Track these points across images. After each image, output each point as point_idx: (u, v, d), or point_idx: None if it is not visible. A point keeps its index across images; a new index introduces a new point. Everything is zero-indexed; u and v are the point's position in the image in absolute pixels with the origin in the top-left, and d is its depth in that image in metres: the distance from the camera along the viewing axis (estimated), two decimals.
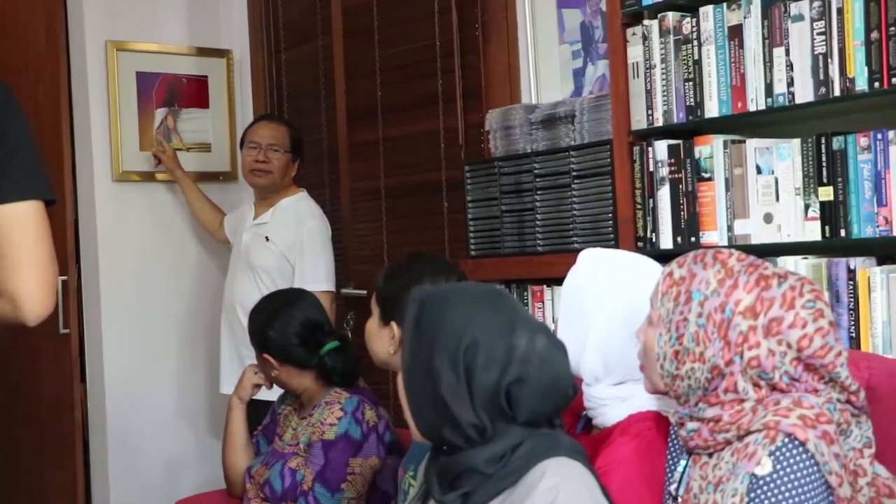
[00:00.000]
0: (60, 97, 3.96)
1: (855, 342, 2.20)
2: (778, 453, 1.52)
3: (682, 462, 1.72)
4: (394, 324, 2.13)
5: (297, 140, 3.66)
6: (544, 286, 2.93)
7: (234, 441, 2.72)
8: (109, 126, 4.02)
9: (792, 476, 1.50)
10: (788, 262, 2.30)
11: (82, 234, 4.10)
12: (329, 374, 2.56)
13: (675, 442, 1.77)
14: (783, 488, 1.50)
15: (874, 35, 2.14)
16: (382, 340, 2.20)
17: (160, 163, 4.02)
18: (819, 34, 2.23)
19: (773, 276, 1.62)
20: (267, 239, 3.57)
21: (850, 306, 2.21)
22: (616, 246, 2.64)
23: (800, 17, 2.26)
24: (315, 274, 3.47)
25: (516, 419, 1.57)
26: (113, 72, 4.01)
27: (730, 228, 2.42)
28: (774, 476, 1.51)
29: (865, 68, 2.15)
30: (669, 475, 1.77)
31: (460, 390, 1.54)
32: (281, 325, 2.56)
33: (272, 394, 2.97)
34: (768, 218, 2.36)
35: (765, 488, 1.51)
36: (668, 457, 1.79)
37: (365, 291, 3.84)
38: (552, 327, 2.01)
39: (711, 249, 1.70)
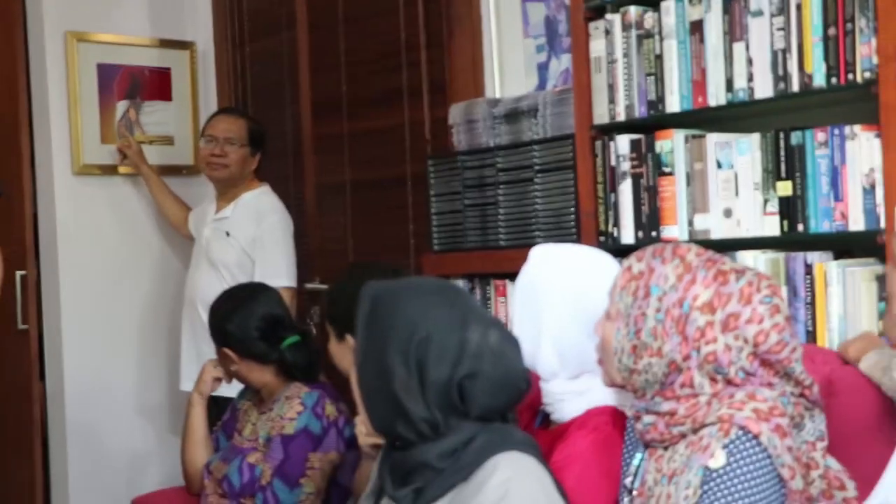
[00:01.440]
0: (19, 89, 3.90)
1: (811, 336, 2.20)
2: (731, 446, 1.53)
3: (638, 455, 1.73)
4: (349, 336, 2.13)
5: (256, 133, 3.62)
6: (507, 280, 2.92)
7: (194, 437, 2.69)
8: (69, 118, 3.96)
9: (745, 469, 1.51)
10: (747, 257, 2.31)
11: (42, 229, 4.04)
12: (289, 369, 2.54)
13: (632, 435, 1.77)
14: (736, 481, 1.51)
15: (831, 31, 2.14)
16: (346, 356, 2.21)
17: (125, 157, 3.98)
18: (778, 30, 2.23)
19: (731, 271, 1.62)
20: (227, 234, 3.54)
21: (808, 300, 2.21)
22: (578, 241, 2.64)
23: (759, 13, 2.26)
24: (276, 269, 3.44)
25: (469, 414, 1.56)
26: (73, 63, 3.95)
27: (690, 223, 2.42)
28: (727, 469, 1.52)
29: (823, 64, 2.16)
30: (625, 468, 1.77)
31: (412, 385, 1.53)
32: (241, 319, 2.54)
33: (232, 389, 2.95)
34: (728, 212, 2.37)
35: (718, 481, 1.51)
36: (625, 450, 1.79)
37: (328, 286, 3.82)
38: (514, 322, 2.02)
39: (670, 244, 1.70)
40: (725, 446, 1.53)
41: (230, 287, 2.85)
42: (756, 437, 1.52)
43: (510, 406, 1.62)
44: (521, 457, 1.55)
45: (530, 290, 1.98)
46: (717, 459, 1.53)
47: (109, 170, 4.06)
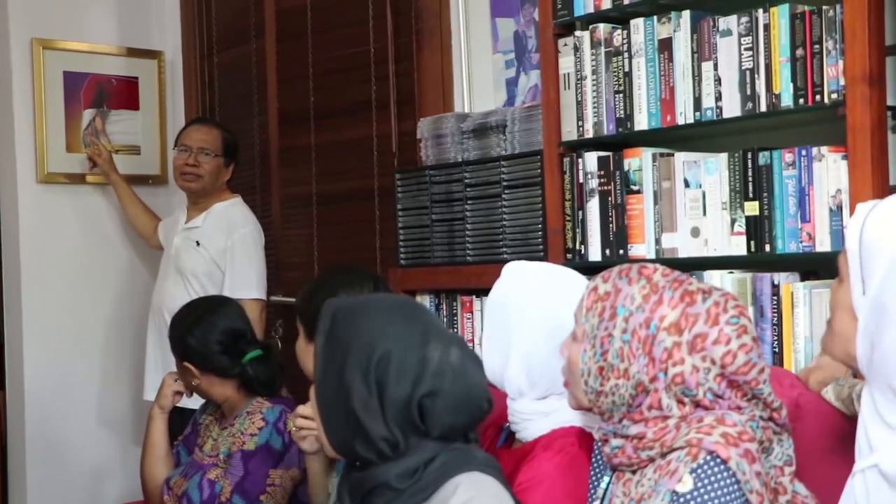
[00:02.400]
0: None
1: (778, 357, 2.20)
2: (700, 471, 1.50)
3: (606, 478, 1.70)
4: None
5: (230, 144, 3.59)
6: (473, 297, 2.90)
7: (154, 451, 2.64)
8: (35, 126, 3.92)
9: (713, 494, 1.49)
10: (714, 277, 2.30)
11: (4, 237, 4.00)
12: (251, 383, 2.50)
13: (599, 458, 1.75)
14: None
15: (799, 52, 2.14)
16: (311, 358, 2.16)
17: (95, 165, 3.92)
18: (746, 49, 2.23)
19: (698, 291, 1.61)
20: (198, 244, 3.51)
21: (774, 321, 2.21)
22: (545, 258, 2.63)
23: (728, 33, 2.26)
24: (246, 281, 3.41)
25: (429, 433, 1.53)
26: (39, 71, 3.91)
27: (657, 242, 2.41)
28: (695, 493, 1.49)
29: (791, 84, 2.16)
30: (592, 491, 1.74)
31: (372, 403, 1.51)
32: (202, 332, 2.50)
33: (198, 401, 2.91)
34: (695, 232, 2.36)
35: None
36: (592, 473, 1.77)
37: (294, 300, 3.78)
38: (481, 338, 1.99)
39: (636, 264, 1.68)
40: (693, 471, 1.50)
41: (191, 300, 2.81)
42: (725, 462, 1.50)
43: (472, 425, 1.59)
44: (482, 478, 1.53)
45: (501, 306, 1.96)
46: (685, 484, 1.50)
47: (76, 178, 4.02)
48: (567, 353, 1.70)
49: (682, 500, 1.49)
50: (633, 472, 1.63)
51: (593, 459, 1.78)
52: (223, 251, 3.46)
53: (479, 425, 1.62)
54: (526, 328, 1.90)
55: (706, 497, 1.48)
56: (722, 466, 1.50)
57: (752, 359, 1.57)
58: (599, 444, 1.71)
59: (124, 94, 4.17)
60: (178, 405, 3.44)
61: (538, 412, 1.91)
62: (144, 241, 3.96)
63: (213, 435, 2.56)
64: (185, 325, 2.53)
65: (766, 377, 1.60)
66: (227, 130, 3.64)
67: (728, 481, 1.49)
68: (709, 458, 1.50)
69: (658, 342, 1.57)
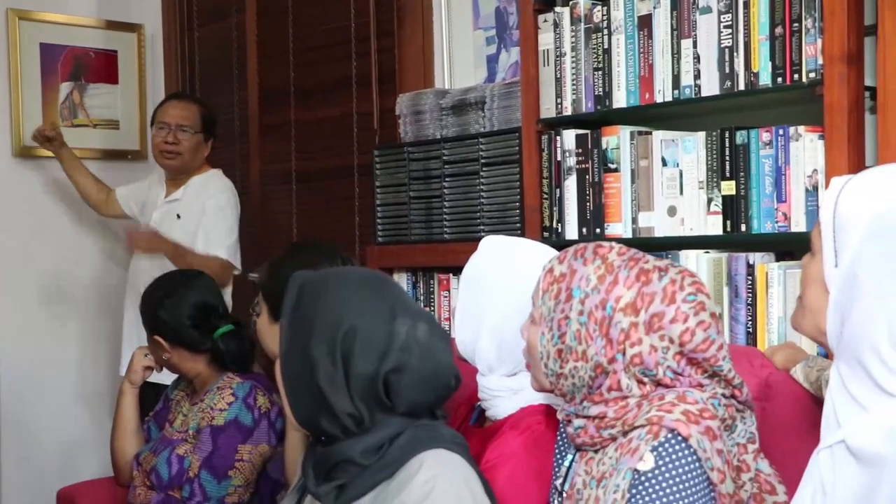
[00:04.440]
0: None
1: (752, 337, 2.19)
2: (661, 449, 1.49)
3: (569, 457, 1.69)
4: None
5: (209, 119, 3.55)
6: (451, 275, 2.89)
7: (125, 426, 2.63)
8: (10, 99, 3.88)
9: (674, 472, 1.48)
10: (690, 256, 2.29)
11: None
12: (222, 359, 2.48)
13: (563, 436, 1.74)
14: (664, 484, 1.47)
15: (778, 30, 2.13)
16: (275, 336, 2.13)
17: (48, 142, 3.67)
18: (726, 27, 2.21)
19: (654, 269, 1.58)
20: (178, 216, 3.47)
21: (749, 301, 2.20)
22: (522, 236, 2.61)
23: (708, 10, 2.24)
24: (217, 239, 3.37)
25: (395, 409, 1.51)
26: (14, 42, 3.87)
27: (634, 220, 2.40)
28: (656, 472, 1.48)
29: (769, 63, 2.15)
30: (556, 469, 1.74)
31: (337, 378, 1.48)
32: (173, 305, 2.47)
33: (170, 377, 2.89)
34: (672, 211, 2.35)
35: (646, 484, 1.48)
36: (556, 451, 1.76)
37: None
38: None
39: (592, 244, 1.65)
40: (654, 449, 1.49)
41: (164, 273, 2.78)
42: (686, 439, 1.49)
43: (438, 402, 1.57)
44: (447, 455, 1.51)
45: (476, 280, 1.95)
46: (646, 462, 1.49)
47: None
48: (526, 336, 1.69)
49: (643, 478, 1.49)
50: (596, 451, 1.63)
51: (558, 438, 1.77)
52: (201, 216, 3.43)
53: (445, 402, 1.60)
54: (498, 302, 1.89)
55: (667, 475, 1.47)
56: (683, 444, 1.49)
57: (711, 336, 1.55)
58: (563, 424, 1.71)
59: (103, 67, 4.12)
60: (151, 380, 3.42)
61: (508, 389, 1.90)
62: (97, 209, 3.83)
63: (184, 410, 2.54)
64: (157, 297, 2.51)
65: (726, 354, 1.59)
66: (204, 105, 3.60)
67: (689, 459, 1.48)
68: (670, 435, 1.49)
69: (615, 323, 1.55)
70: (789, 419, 1.89)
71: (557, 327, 1.61)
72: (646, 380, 1.57)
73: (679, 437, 1.49)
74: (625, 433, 1.56)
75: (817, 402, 1.86)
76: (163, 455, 2.43)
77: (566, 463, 1.68)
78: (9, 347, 3.88)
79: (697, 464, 1.48)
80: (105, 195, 3.79)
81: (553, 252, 1.99)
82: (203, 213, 3.42)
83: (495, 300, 1.90)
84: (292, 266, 2.08)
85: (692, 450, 1.48)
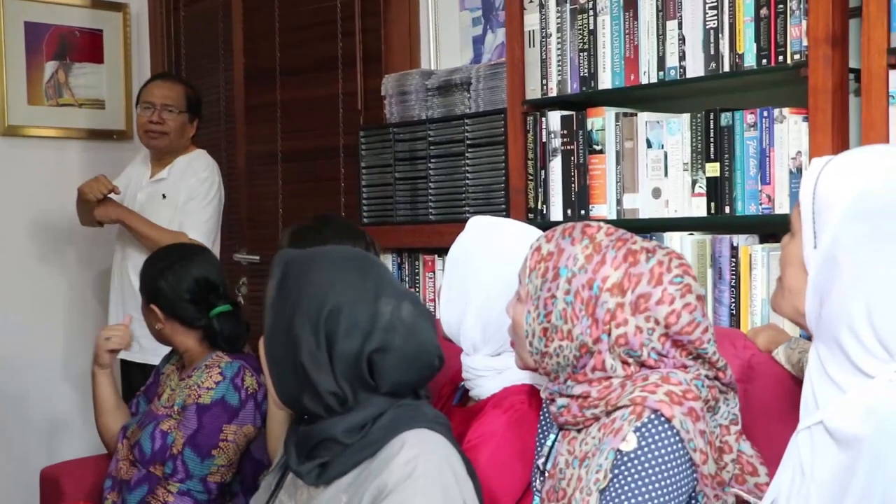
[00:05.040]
0: None
1: (735, 319, 2.20)
2: (644, 429, 1.50)
3: (552, 436, 1.70)
4: None
5: (194, 99, 3.53)
6: (436, 256, 2.89)
7: (104, 407, 2.63)
8: None
9: (656, 452, 1.48)
10: (675, 238, 2.30)
11: None
12: (214, 337, 2.47)
13: (546, 416, 1.75)
14: (647, 465, 1.48)
15: (763, 12, 2.13)
16: None
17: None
18: (711, 8, 2.21)
19: (642, 250, 1.58)
20: (164, 196, 3.45)
21: (732, 283, 2.21)
22: (507, 216, 2.61)
23: None
24: (192, 218, 3.35)
25: (379, 389, 1.51)
26: None
27: (619, 202, 2.40)
28: (639, 452, 1.49)
29: (754, 45, 2.15)
30: (539, 449, 1.74)
31: (321, 357, 1.48)
32: (175, 277, 2.45)
33: (157, 357, 2.88)
34: (656, 193, 2.35)
35: (629, 464, 1.49)
36: (539, 430, 1.77)
37: (258, 257, 3.76)
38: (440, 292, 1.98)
39: (580, 223, 1.65)
40: (637, 430, 1.50)
41: (170, 244, 2.76)
42: (669, 420, 1.49)
43: (422, 382, 1.57)
44: (429, 434, 1.51)
45: (462, 259, 1.95)
46: (629, 443, 1.50)
47: (36, 132, 3.94)
48: (512, 314, 1.69)
49: (625, 458, 1.49)
50: (579, 431, 1.63)
51: (541, 417, 1.77)
52: (187, 197, 3.42)
53: (429, 382, 1.60)
54: (483, 282, 1.89)
55: (650, 455, 1.48)
56: (666, 425, 1.49)
57: (697, 318, 1.56)
58: (546, 403, 1.71)
59: (88, 46, 4.09)
60: (140, 361, 3.43)
61: (491, 369, 1.91)
62: None
63: (172, 385, 2.53)
64: (159, 267, 2.49)
65: (711, 336, 1.59)
66: (189, 85, 3.57)
67: (672, 440, 1.49)
68: (653, 416, 1.50)
69: (601, 303, 1.56)
70: (771, 401, 1.90)
71: (543, 306, 1.61)
72: (630, 360, 1.57)
73: (662, 418, 1.50)
74: (608, 413, 1.57)
75: (799, 383, 1.87)
76: (147, 429, 2.42)
77: (548, 443, 1.69)
78: None
79: (680, 444, 1.49)
80: None
81: (539, 233, 1.99)
82: (186, 190, 3.41)
83: (481, 280, 1.90)
84: (316, 238, 2.08)
85: (675, 431, 1.49)
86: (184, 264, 2.48)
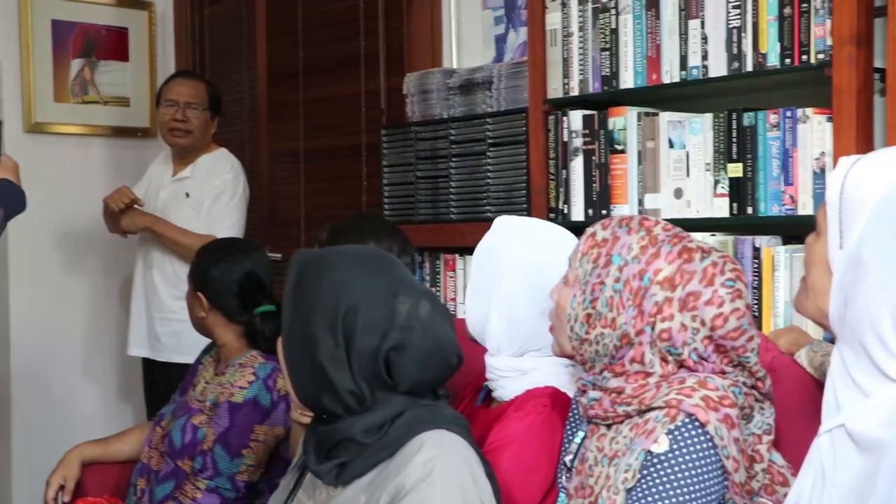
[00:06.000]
0: None
1: (757, 321, 2.18)
2: (676, 432, 1.48)
3: (580, 433, 1.68)
4: None
5: (215, 97, 3.54)
6: (457, 255, 2.89)
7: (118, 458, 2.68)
8: (22, 75, 3.88)
9: (688, 457, 1.46)
10: (696, 239, 2.28)
11: None
12: (254, 336, 2.47)
13: (575, 413, 1.73)
14: (677, 468, 1.46)
15: (787, 11, 2.11)
16: None
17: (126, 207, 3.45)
18: (734, 7, 2.19)
19: (697, 249, 1.57)
20: (187, 195, 3.47)
21: (755, 284, 2.19)
22: (529, 216, 2.60)
23: None
24: (222, 224, 3.36)
25: (397, 387, 1.51)
26: (27, 18, 3.87)
27: (640, 202, 2.39)
28: (670, 455, 1.47)
29: (778, 44, 2.13)
30: (566, 445, 1.73)
31: (338, 356, 1.48)
32: (226, 267, 2.47)
33: (185, 355, 2.88)
34: (678, 193, 2.34)
35: (658, 466, 1.47)
36: (567, 427, 1.76)
37: (280, 255, 3.77)
38: (465, 296, 1.97)
39: (639, 216, 1.65)
40: (670, 432, 1.48)
41: (225, 238, 2.77)
42: (703, 425, 1.47)
43: (440, 380, 1.57)
44: (448, 435, 1.50)
45: (489, 258, 1.94)
46: (661, 444, 1.48)
47: (62, 129, 3.97)
48: (556, 297, 1.67)
49: (655, 460, 1.48)
50: (609, 428, 1.61)
51: (570, 414, 1.76)
52: (212, 196, 3.42)
53: (447, 381, 1.60)
54: (510, 280, 1.88)
55: (681, 459, 1.46)
56: (700, 430, 1.47)
57: (744, 325, 1.53)
58: (577, 394, 1.70)
59: (114, 44, 4.12)
60: (164, 360, 3.45)
61: (515, 370, 1.90)
62: None
63: (207, 377, 2.54)
64: (213, 257, 2.50)
65: (755, 346, 1.57)
66: (210, 83, 3.58)
67: (705, 445, 1.47)
68: (687, 420, 1.48)
69: (649, 295, 1.54)
70: (793, 403, 1.88)
71: (591, 291, 1.59)
72: (670, 358, 1.55)
73: (697, 423, 1.48)
74: (640, 413, 1.55)
75: (821, 386, 1.84)
76: (179, 421, 2.43)
77: (577, 439, 1.68)
78: (20, 322, 3.91)
79: (713, 451, 1.47)
80: None
81: (567, 233, 1.98)
82: (209, 191, 3.42)
83: (507, 278, 1.89)
84: (356, 233, 2.09)
85: (709, 436, 1.47)
86: (238, 258, 2.49)
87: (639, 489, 1.48)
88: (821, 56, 2.07)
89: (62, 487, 2.58)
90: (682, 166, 2.32)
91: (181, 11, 4.25)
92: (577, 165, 2.50)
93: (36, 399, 3.95)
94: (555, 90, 2.55)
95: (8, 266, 3.89)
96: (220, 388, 2.42)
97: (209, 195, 3.42)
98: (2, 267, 3.92)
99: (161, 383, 3.43)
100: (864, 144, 2.03)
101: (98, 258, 4.10)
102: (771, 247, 2.18)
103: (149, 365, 3.57)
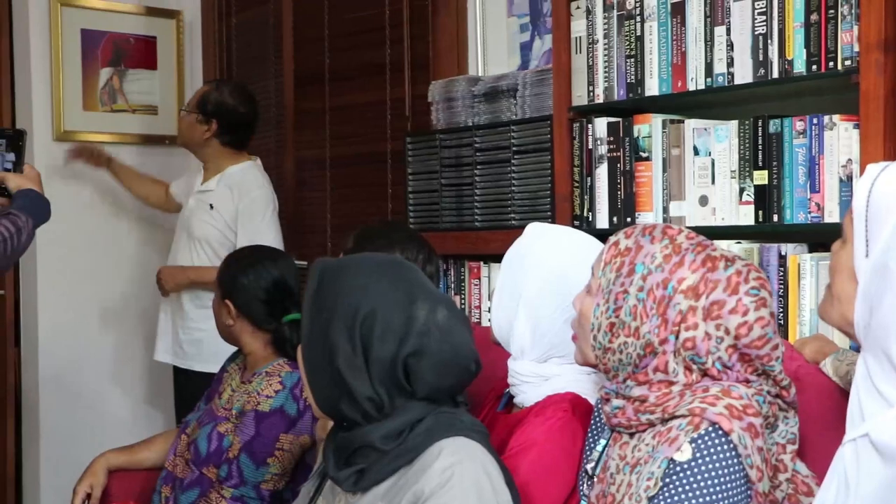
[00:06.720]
0: (1, 52, 3.86)
1: (783, 329, 2.16)
2: (700, 441, 1.47)
3: (602, 441, 1.68)
4: None
5: (208, 101, 3.41)
6: (481, 263, 2.88)
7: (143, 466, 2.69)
8: (52, 84, 3.92)
9: (711, 465, 1.45)
10: (721, 247, 2.25)
11: None
12: (282, 344, 2.46)
13: (597, 420, 1.73)
14: (699, 476, 1.45)
15: (814, 17, 2.09)
16: None
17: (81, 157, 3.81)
18: (760, 14, 2.18)
19: (721, 258, 1.56)
20: (211, 207, 3.47)
21: (780, 293, 2.17)
22: (553, 224, 2.59)
23: None
24: (260, 238, 3.33)
25: (416, 394, 1.51)
26: (56, 28, 3.91)
27: (665, 210, 2.37)
28: (693, 463, 1.46)
29: (804, 51, 2.11)
30: (588, 453, 1.72)
31: (357, 362, 1.49)
32: (255, 275, 2.45)
33: (207, 364, 2.88)
34: (703, 200, 2.32)
35: (681, 474, 1.46)
36: (589, 434, 1.75)
37: (306, 263, 3.77)
38: (490, 303, 1.97)
39: (661, 224, 1.64)
40: (693, 441, 1.47)
41: (254, 245, 2.76)
42: (727, 434, 1.46)
43: (458, 387, 1.57)
44: (467, 443, 1.50)
45: (518, 262, 1.94)
46: (684, 453, 1.47)
47: (91, 137, 4.01)
48: (579, 306, 1.67)
49: (678, 468, 1.47)
50: (631, 436, 1.61)
51: (592, 421, 1.76)
52: (235, 215, 3.41)
53: (466, 387, 1.60)
54: (536, 284, 1.88)
55: (704, 468, 1.45)
56: (724, 438, 1.46)
57: (768, 334, 1.52)
58: (600, 402, 1.69)
59: (142, 53, 4.16)
60: (185, 367, 3.46)
61: (537, 375, 1.89)
62: (160, 208, 3.88)
63: (233, 385, 2.53)
64: (242, 264, 2.49)
65: (780, 355, 1.55)
66: (217, 89, 3.47)
67: (728, 454, 1.46)
68: (710, 429, 1.47)
69: (673, 304, 1.53)
70: (818, 412, 1.86)
71: (614, 300, 1.59)
72: (694, 367, 1.54)
73: (720, 431, 1.47)
74: (664, 421, 1.54)
75: (846, 395, 1.82)
76: (205, 429, 2.43)
77: (599, 447, 1.67)
78: (48, 329, 3.95)
79: (737, 459, 1.46)
80: (164, 193, 3.80)
81: (592, 240, 1.98)
82: (239, 214, 3.37)
83: (534, 281, 1.89)
84: (384, 240, 2.10)
85: (732, 445, 1.46)
86: (266, 265, 2.48)
87: (661, 497, 1.47)
88: (847, 62, 2.05)
89: (88, 496, 2.58)
90: (707, 174, 2.31)
91: (209, 20, 4.28)
92: (601, 173, 2.49)
93: (65, 406, 3.98)
94: (580, 97, 2.55)
95: (37, 273, 3.92)
96: (247, 396, 2.42)
97: (241, 214, 3.39)
98: (31, 274, 3.95)
99: (186, 390, 3.44)
100: (892, 152, 2.01)
101: (128, 265, 4.13)
102: (797, 255, 2.16)
103: (177, 372, 3.59)
